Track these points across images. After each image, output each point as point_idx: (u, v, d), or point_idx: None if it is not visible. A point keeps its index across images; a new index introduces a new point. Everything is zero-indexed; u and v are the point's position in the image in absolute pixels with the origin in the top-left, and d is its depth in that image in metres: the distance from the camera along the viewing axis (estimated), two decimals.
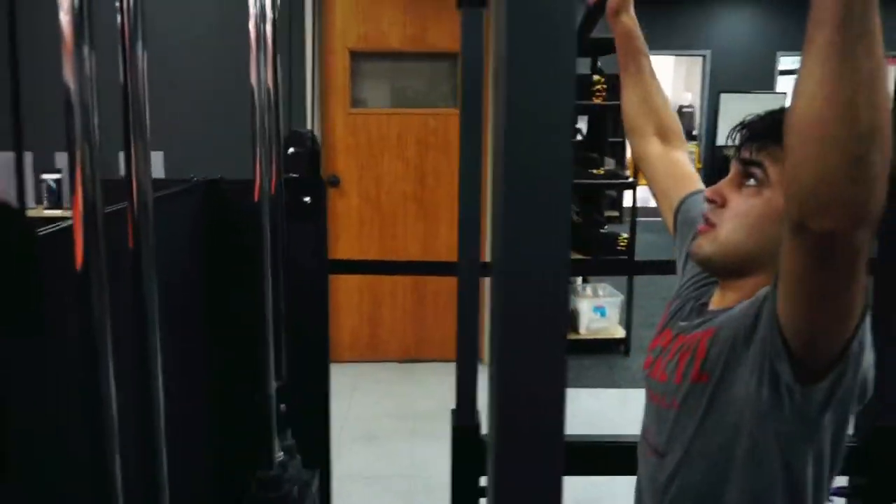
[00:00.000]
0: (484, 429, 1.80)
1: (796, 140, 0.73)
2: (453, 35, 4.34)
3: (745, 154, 1.06)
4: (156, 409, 0.91)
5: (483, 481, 1.83)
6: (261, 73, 1.36)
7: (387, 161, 4.41)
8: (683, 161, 1.40)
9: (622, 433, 3.74)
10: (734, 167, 1.08)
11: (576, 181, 4.66)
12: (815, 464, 0.99)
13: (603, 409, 4.12)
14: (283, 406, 1.48)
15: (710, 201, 1.09)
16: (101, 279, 0.75)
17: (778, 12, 9.96)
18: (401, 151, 4.40)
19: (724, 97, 8.40)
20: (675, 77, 15.52)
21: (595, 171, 4.79)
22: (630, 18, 1.46)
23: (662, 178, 1.38)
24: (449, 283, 4.54)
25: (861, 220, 0.73)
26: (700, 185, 1.36)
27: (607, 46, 5.52)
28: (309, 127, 3.97)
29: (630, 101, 1.44)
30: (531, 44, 0.48)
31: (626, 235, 4.74)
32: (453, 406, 4.23)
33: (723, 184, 1.08)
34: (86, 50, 0.72)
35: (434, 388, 4.29)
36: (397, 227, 4.47)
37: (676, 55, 10.15)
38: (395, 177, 4.43)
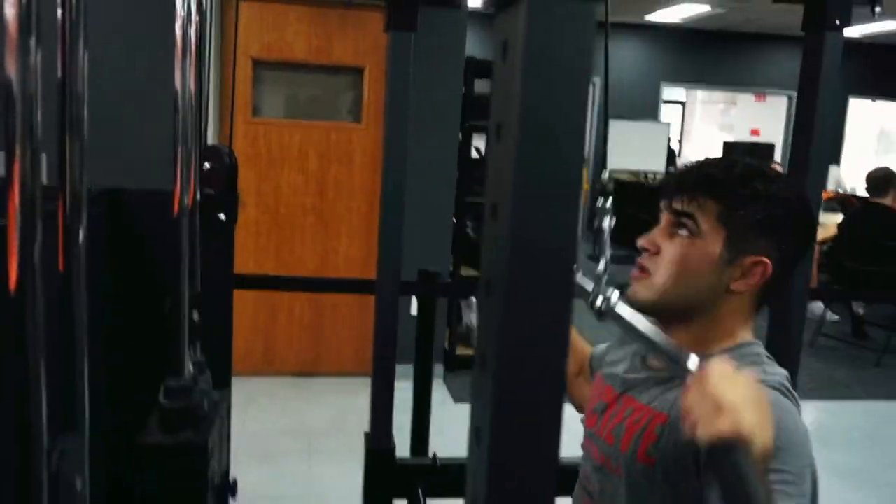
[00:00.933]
0: (400, 452, 1.78)
1: None
2: (358, 50, 4.33)
3: (677, 205, 1.10)
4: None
5: None
6: (185, 79, 1.31)
7: (287, 172, 4.33)
8: (579, 348, 1.50)
9: None
10: (665, 217, 1.12)
11: (474, 199, 4.71)
12: None
13: None
14: (196, 315, 1.38)
15: (643, 249, 1.13)
16: (36, 301, 0.70)
17: (662, 45, 10.48)
18: (302, 163, 4.33)
19: (613, 123, 8.73)
20: None
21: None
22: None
23: (576, 374, 1.48)
24: (347, 297, 4.49)
25: None
26: (588, 350, 1.49)
27: None
28: (210, 135, 3.84)
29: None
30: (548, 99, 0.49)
31: None
32: (356, 424, 4.15)
33: (655, 233, 1.13)
34: (32, 42, 0.67)
35: (331, 403, 4.23)
36: (295, 241, 4.39)
37: None
38: (294, 189, 4.35)
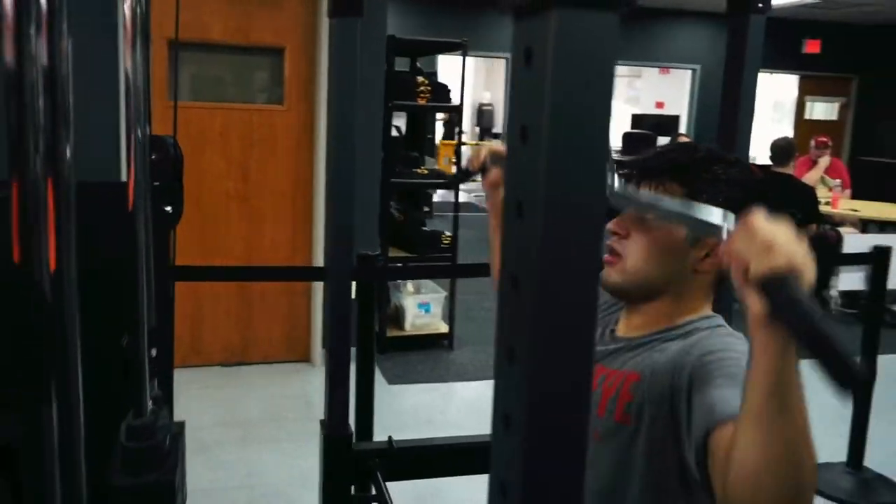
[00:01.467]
0: (357, 438, 1.80)
1: (738, 488, 0.82)
2: (277, 30, 4.24)
3: (645, 190, 1.15)
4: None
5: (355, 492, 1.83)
6: (135, 64, 1.27)
7: (208, 157, 4.22)
8: None
9: (454, 426, 3.86)
10: None
11: (400, 180, 4.72)
12: None
13: (433, 404, 4.22)
14: (153, 351, 1.36)
15: (613, 233, 1.18)
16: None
17: None
18: (223, 148, 4.23)
19: None
20: (475, 77, 16.16)
21: (419, 171, 4.88)
22: None
23: None
24: (276, 283, 4.44)
25: None
26: None
27: (425, 48, 5.64)
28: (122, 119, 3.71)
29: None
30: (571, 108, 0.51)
31: (449, 233, 4.87)
32: (291, 411, 4.12)
33: (626, 217, 1.18)
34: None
35: (263, 391, 4.18)
36: (219, 227, 4.29)
37: (480, 56, 10.53)
38: (217, 174, 4.25)
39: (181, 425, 1.71)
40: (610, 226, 1.18)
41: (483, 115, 16.60)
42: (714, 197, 1.12)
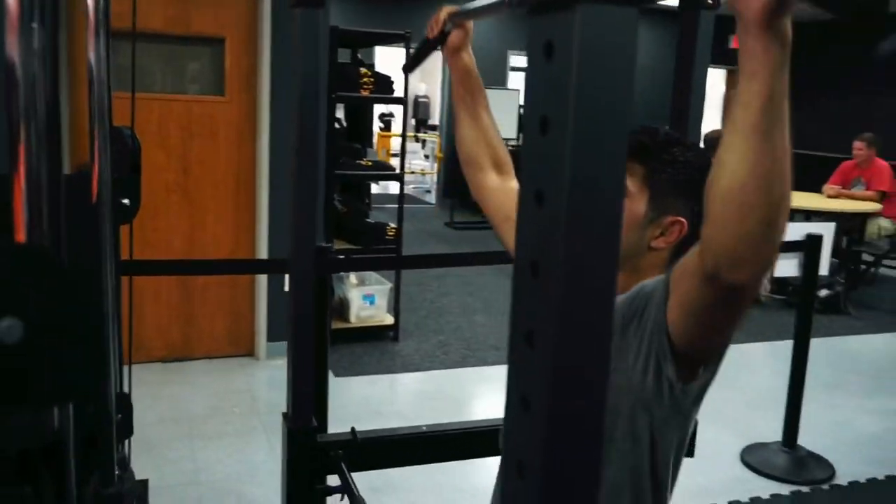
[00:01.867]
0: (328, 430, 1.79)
1: (719, 205, 0.83)
2: (218, 19, 4.16)
3: None
4: None
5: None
6: (98, 55, 1.24)
7: (146, 149, 4.09)
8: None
9: (402, 417, 3.87)
10: None
11: (345, 172, 4.69)
12: (677, 447, 1.15)
13: (380, 395, 4.23)
14: (119, 415, 1.35)
15: None
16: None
17: (508, 14, 10.72)
18: (162, 139, 4.14)
19: None
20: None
21: (362, 163, 4.86)
22: (469, 56, 1.53)
23: (501, 207, 1.46)
24: (218, 276, 4.36)
25: (764, 274, 0.86)
26: None
27: (367, 40, 5.60)
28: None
29: (467, 136, 1.51)
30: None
31: (393, 225, 4.87)
32: (237, 406, 4.08)
33: None
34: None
35: (207, 387, 4.12)
36: (159, 220, 4.20)
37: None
38: (156, 166, 4.15)
39: (144, 484, 1.67)
40: None
41: (419, 107, 16.59)
42: (673, 177, 1.17)
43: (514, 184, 1.49)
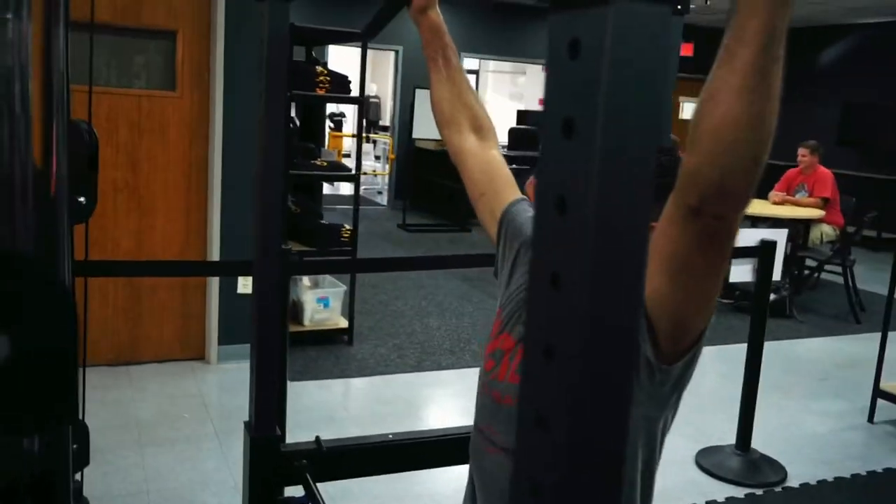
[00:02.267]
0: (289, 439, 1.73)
1: (709, 140, 0.82)
2: (170, 11, 4.04)
3: None
4: None
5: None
6: (58, 42, 1.17)
7: None
8: (499, 161, 1.43)
9: (357, 422, 3.81)
10: None
11: (300, 172, 4.61)
12: (661, 435, 1.13)
13: (334, 400, 4.16)
14: (75, 446, 1.28)
15: None
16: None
17: (461, 16, 10.73)
18: (110, 135, 4.00)
19: (418, 92, 8.84)
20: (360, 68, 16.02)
21: (317, 163, 4.78)
22: (437, 14, 1.48)
23: (480, 176, 1.40)
24: (169, 278, 4.23)
25: (744, 207, 0.87)
26: (518, 192, 1.43)
27: (323, 38, 5.52)
28: None
29: (443, 96, 1.45)
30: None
31: (348, 226, 4.81)
32: (187, 411, 3.96)
33: None
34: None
35: (156, 392, 4.00)
36: (107, 219, 4.06)
37: (370, 49, 10.45)
38: (103, 163, 3.99)
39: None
40: None
41: (370, 108, 16.49)
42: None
43: (493, 153, 1.43)
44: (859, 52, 10.41)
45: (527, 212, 1.35)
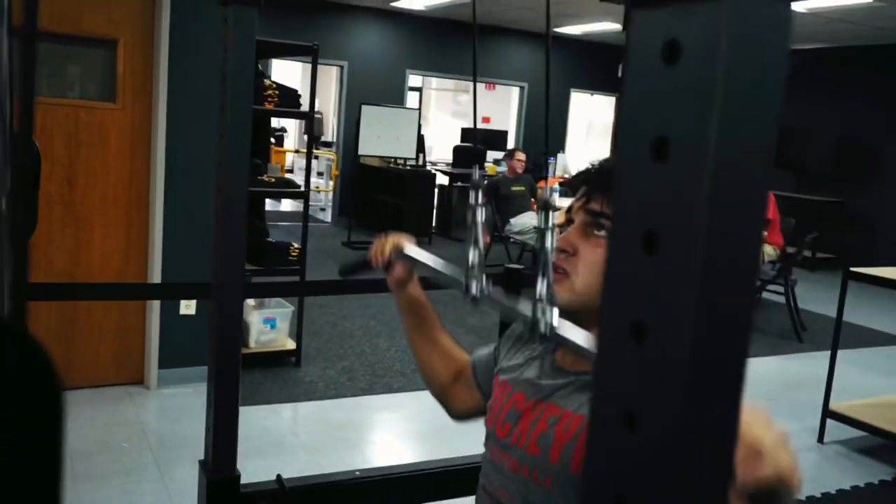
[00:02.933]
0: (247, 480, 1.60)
1: None
2: (110, 19, 3.85)
3: (595, 206, 1.09)
4: None
5: None
6: (3, 45, 1.04)
7: None
8: (465, 369, 1.44)
9: (307, 448, 3.66)
10: (580, 217, 1.10)
11: (254, 189, 4.44)
12: None
13: (282, 426, 3.99)
14: None
15: (561, 251, 1.10)
16: None
17: (407, 32, 10.68)
18: (45, 148, 3.77)
19: (364, 108, 8.72)
20: (302, 83, 15.84)
21: (264, 179, 4.62)
22: (416, 287, 1.44)
23: (463, 389, 1.42)
24: (110, 306, 4.01)
25: None
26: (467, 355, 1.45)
27: (273, 51, 5.38)
28: None
29: (435, 366, 1.44)
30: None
31: (297, 245, 4.66)
32: (124, 441, 3.73)
33: (571, 233, 1.10)
34: None
35: (91, 419, 3.76)
36: (40, 235, 3.82)
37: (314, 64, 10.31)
38: None
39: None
40: (559, 243, 1.11)
41: (312, 123, 16.30)
42: None
43: (462, 369, 1.44)
44: (796, 77, 10.74)
45: (486, 348, 1.39)
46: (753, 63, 0.43)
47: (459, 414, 1.43)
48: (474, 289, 1.03)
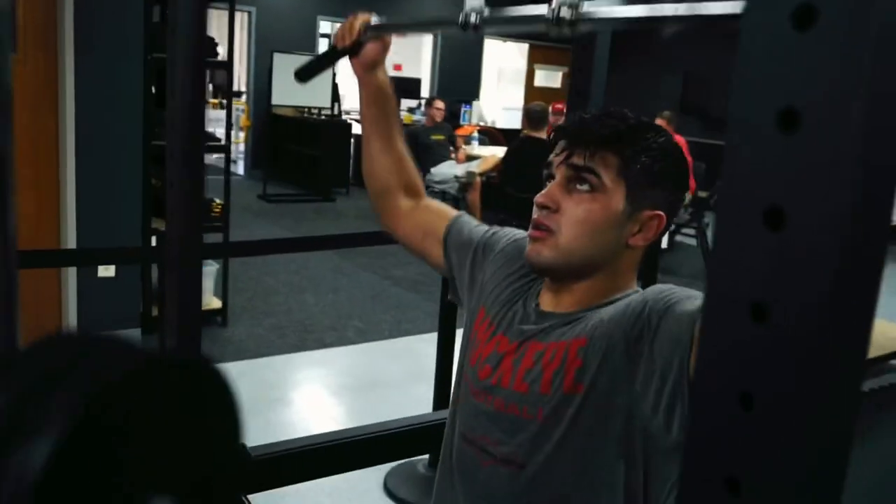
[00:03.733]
0: None
1: None
2: None
3: (577, 160, 1.06)
4: None
5: None
6: None
7: None
8: (432, 206, 1.40)
9: (242, 411, 3.57)
10: (561, 172, 1.08)
11: (161, 143, 4.24)
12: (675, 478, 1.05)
13: None
14: None
15: (542, 206, 1.07)
16: None
17: None
18: None
19: (276, 56, 8.41)
20: (211, 31, 15.15)
21: None
22: (384, 73, 1.37)
23: (417, 231, 1.37)
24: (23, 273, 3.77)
25: None
26: (454, 212, 1.39)
27: None
28: None
29: (382, 165, 1.39)
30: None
31: (219, 201, 4.49)
32: None
33: (553, 189, 1.08)
34: None
35: None
36: None
37: (219, 10, 9.85)
38: None
39: None
40: (539, 199, 1.08)
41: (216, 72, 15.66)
42: (649, 167, 1.06)
43: (424, 202, 1.40)
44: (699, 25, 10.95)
45: (470, 223, 1.34)
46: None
47: (396, 231, 1.39)
48: (474, 17, 1.11)
